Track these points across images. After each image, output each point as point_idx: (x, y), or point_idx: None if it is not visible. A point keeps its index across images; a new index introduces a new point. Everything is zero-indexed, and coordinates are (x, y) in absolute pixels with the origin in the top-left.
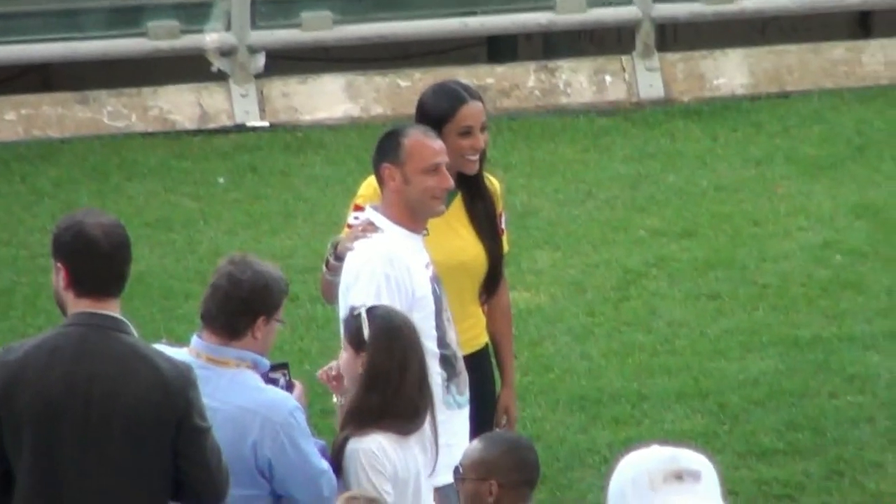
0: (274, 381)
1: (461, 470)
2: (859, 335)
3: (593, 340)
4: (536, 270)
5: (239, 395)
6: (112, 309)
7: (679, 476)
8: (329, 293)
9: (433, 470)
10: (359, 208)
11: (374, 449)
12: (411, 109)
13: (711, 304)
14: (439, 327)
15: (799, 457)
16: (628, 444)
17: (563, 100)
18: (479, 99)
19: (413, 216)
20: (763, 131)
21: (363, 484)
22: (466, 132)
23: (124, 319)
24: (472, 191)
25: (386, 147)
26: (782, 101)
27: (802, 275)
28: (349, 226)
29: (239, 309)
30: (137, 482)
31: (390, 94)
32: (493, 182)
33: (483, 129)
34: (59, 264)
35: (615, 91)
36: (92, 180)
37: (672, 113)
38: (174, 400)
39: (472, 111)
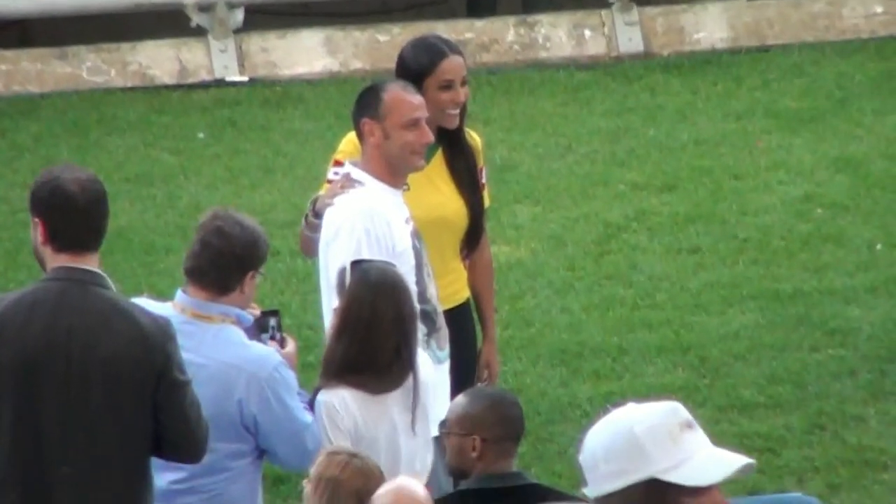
0: (264, 327)
1: (446, 425)
2: (840, 289)
3: (574, 294)
4: (517, 225)
5: (224, 350)
6: (91, 263)
7: (690, 425)
8: (308, 248)
9: (413, 430)
10: (339, 164)
11: (334, 403)
12: (390, 64)
13: (692, 258)
14: (419, 282)
15: (780, 410)
16: (609, 399)
17: (543, 54)
18: (460, 53)
19: (393, 171)
20: (743, 85)
21: (322, 437)
22: (447, 86)
23: (103, 274)
24: (453, 146)
25: (365, 102)
26: (762, 55)
27: (783, 228)
28: (329, 181)
29: (232, 265)
30: (118, 436)
31: (369, 48)
32: (474, 137)
33: (463, 83)
34: (36, 219)
35: (594, 45)
36: (72, 135)
37: (652, 67)
38: (153, 354)
39: (452, 65)
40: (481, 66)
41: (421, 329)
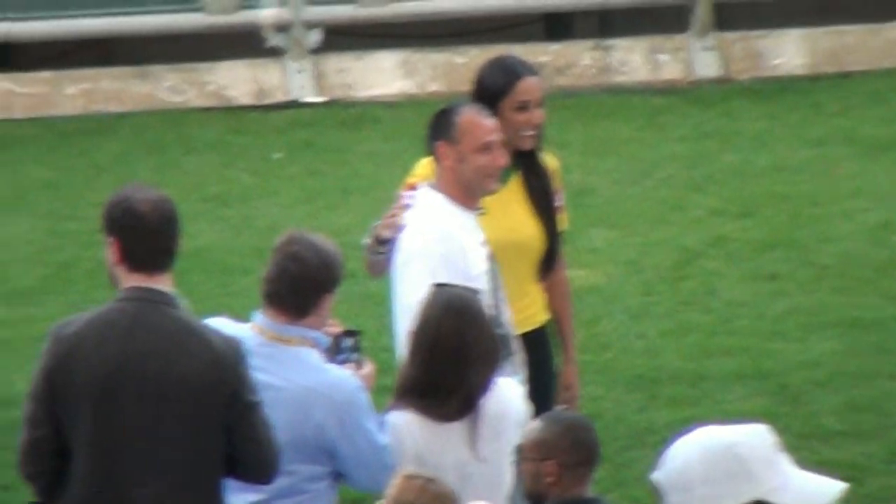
0: (338, 348)
1: (521, 450)
2: None
3: (650, 320)
4: (593, 249)
5: (303, 374)
6: (163, 283)
7: (780, 447)
8: (374, 269)
9: (480, 459)
10: (412, 187)
11: (396, 423)
12: (467, 86)
13: (770, 284)
14: (495, 307)
15: (860, 439)
16: (687, 424)
17: (619, 78)
18: (536, 74)
19: (467, 194)
20: (822, 111)
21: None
22: (522, 107)
23: (175, 294)
24: (529, 168)
25: (440, 125)
26: (842, 81)
27: (862, 255)
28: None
29: (309, 290)
30: (192, 457)
31: (446, 70)
32: (551, 160)
33: (539, 104)
34: (110, 239)
35: (671, 70)
36: (150, 155)
37: (729, 92)
38: (226, 375)
39: (528, 86)
40: (557, 90)
41: None
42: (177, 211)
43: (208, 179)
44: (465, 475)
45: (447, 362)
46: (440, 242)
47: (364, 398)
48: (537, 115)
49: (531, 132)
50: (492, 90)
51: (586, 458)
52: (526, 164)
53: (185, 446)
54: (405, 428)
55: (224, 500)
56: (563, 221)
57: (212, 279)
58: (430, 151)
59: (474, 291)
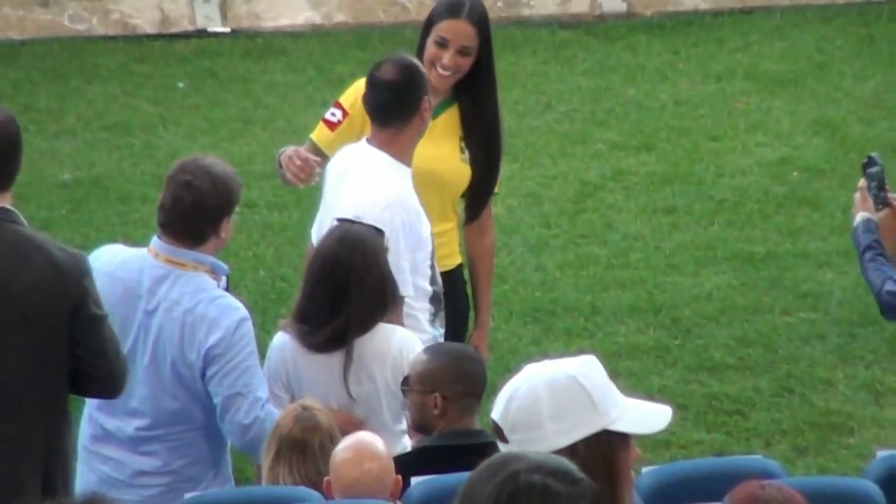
0: None
1: (407, 382)
2: (814, 252)
3: (548, 252)
4: None
5: (191, 297)
6: (4, 201)
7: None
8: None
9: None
10: (338, 105)
11: (274, 344)
12: (373, 18)
13: (667, 218)
14: (433, 266)
15: (749, 372)
16: None
17: (526, 12)
18: (474, 23)
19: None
20: (724, 47)
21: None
22: (440, 43)
23: (15, 210)
24: (472, 105)
25: (421, 79)
26: (744, 17)
27: (759, 191)
28: (325, 120)
29: (206, 218)
30: (36, 371)
31: (353, 1)
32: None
33: (461, 51)
34: None
35: (578, 4)
36: (51, 83)
37: (634, 27)
38: (69, 287)
39: (453, 27)
40: None
41: (429, 309)
42: (18, 131)
43: (110, 108)
44: (338, 408)
45: (329, 293)
46: (401, 212)
47: (249, 329)
48: (447, 57)
49: (442, 71)
50: (428, 18)
51: (473, 389)
52: (471, 100)
53: (27, 360)
54: (279, 350)
55: (69, 415)
56: (497, 186)
57: (111, 207)
58: (414, 109)
59: (376, 231)
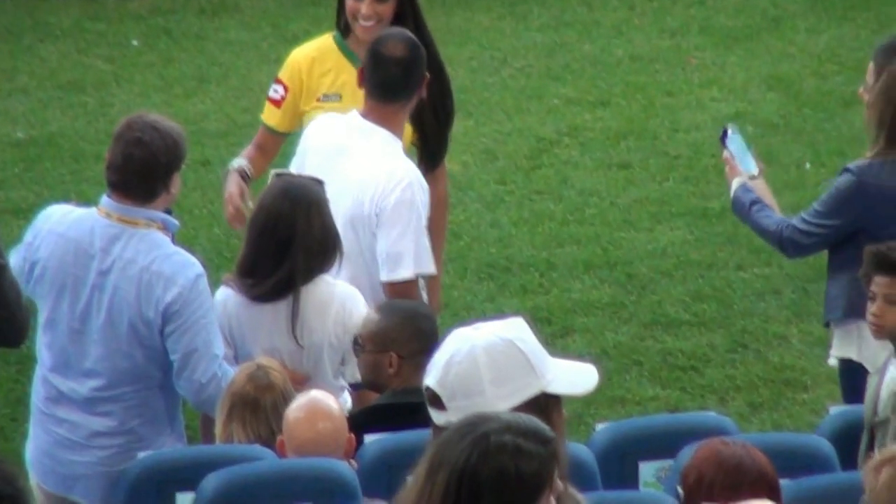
0: None
1: (360, 341)
2: None
3: (504, 208)
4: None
5: (146, 255)
6: None
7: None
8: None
9: (298, 343)
10: (279, 81)
11: (218, 299)
12: None
13: (622, 173)
14: None
15: (704, 328)
16: (535, 313)
17: None
18: None
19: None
20: (680, 2)
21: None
22: None
23: None
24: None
25: (422, 58)
26: None
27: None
28: (270, 99)
29: (158, 174)
30: None
31: None
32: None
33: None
34: None
35: None
36: (3, 41)
37: None
38: None
39: None
40: None
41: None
42: None
43: (63, 66)
44: (283, 360)
45: (272, 244)
46: (420, 192)
47: (206, 285)
48: (365, 6)
49: (364, 22)
50: None
51: (426, 346)
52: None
53: None
54: (221, 305)
55: None
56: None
57: (64, 165)
58: (416, 90)
59: (317, 182)
